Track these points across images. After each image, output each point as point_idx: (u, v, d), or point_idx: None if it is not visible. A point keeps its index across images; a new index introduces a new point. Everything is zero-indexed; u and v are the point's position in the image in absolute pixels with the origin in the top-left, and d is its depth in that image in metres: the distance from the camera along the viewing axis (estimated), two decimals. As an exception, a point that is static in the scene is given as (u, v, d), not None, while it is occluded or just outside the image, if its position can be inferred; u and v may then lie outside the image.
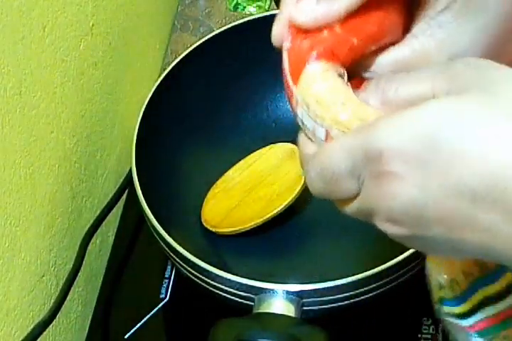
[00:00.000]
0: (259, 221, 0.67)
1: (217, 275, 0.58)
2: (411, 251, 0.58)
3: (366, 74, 0.39)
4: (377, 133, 0.32)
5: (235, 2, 0.92)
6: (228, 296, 0.59)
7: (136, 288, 0.72)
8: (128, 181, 0.73)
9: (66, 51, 0.64)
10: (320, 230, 0.71)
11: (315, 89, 0.38)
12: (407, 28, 0.38)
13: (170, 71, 0.71)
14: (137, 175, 0.64)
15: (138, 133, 0.67)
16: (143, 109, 0.68)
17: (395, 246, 0.65)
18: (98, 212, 0.71)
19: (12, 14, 0.54)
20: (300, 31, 0.40)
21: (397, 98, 0.35)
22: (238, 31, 0.73)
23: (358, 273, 0.57)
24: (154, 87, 0.69)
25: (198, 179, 0.72)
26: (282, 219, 0.68)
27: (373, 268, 0.57)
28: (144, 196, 0.63)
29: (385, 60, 0.38)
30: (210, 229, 0.69)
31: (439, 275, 0.43)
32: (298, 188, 0.67)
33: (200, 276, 0.60)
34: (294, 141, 0.71)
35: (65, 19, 0.63)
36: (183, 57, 0.72)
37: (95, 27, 0.70)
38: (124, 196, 0.75)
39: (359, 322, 0.66)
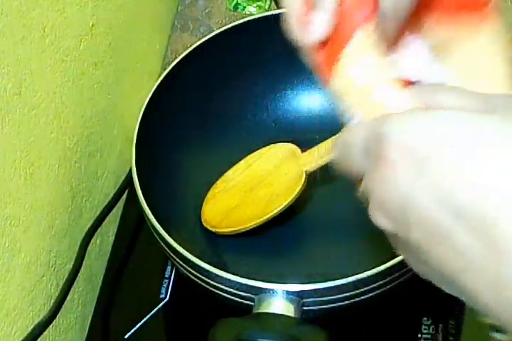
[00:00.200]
0: (259, 221, 0.67)
1: (217, 275, 0.58)
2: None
3: None
4: (392, 120, 0.33)
5: (235, 2, 0.92)
6: (228, 296, 0.59)
7: (136, 288, 0.72)
8: (128, 181, 0.73)
9: (66, 51, 0.64)
10: (320, 230, 0.71)
11: (353, 71, 0.38)
12: None
13: (170, 71, 0.71)
14: (137, 175, 0.64)
15: (138, 133, 0.67)
16: (143, 109, 0.68)
17: (395, 246, 0.65)
18: (98, 212, 0.71)
19: (12, 14, 0.54)
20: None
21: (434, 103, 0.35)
22: (238, 31, 0.73)
23: (358, 273, 0.57)
24: (154, 87, 0.69)
25: (198, 179, 0.72)
26: (282, 219, 0.68)
27: (373, 268, 0.57)
28: (144, 196, 0.63)
29: None
30: (210, 229, 0.69)
31: None
32: (298, 188, 0.67)
33: (200, 276, 0.60)
34: (294, 141, 0.72)
35: (65, 19, 0.63)
36: (183, 57, 0.72)
37: (95, 27, 0.70)
38: (124, 196, 0.75)
39: (359, 322, 0.66)
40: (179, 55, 0.72)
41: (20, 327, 0.58)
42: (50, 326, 0.60)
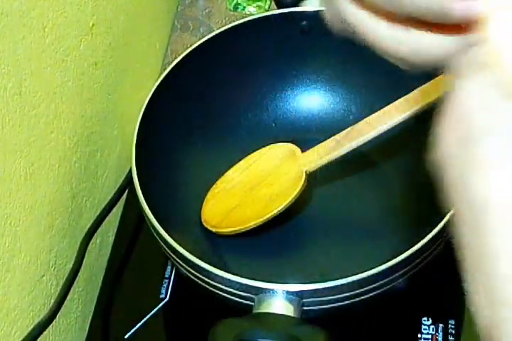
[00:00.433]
0: (259, 221, 0.67)
1: (217, 275, 0.58)
2: (411, 251, 0.58)
3: None
4: (475, 83, 0.31)
5: (235, 2, 0.92)
6: (228, 296, 0.59)
7: (136, 288, 0.72)
8: (128, 181, 0.73)
9: (66, 51, 0.64)
10: (320, 230, 0.71)
11: None
12: None
13: (170, 71, 0.71)
14: (137, 175, 0.64)
15: (138, 133, 0.67)
16: (143, 109, 0.68)
17: (395, 247, 0.65)
18: (98, 212, 0.71)
19: (12, 14, 0.54)
20: None
21: None
22: (238, 31, 0.73)
23: (358, 273, 0.57)
24: (154, 87, 0.69)
25: (198, 179, 0.72)
26: (282, 219, 0.68)
27: (373, 268, 0.57)
28: (143, 196, 0.63)
29: None
30: (210, 229, 0.69)
31: None
32: (298, 188, 0.67)
33: (200, 276, 0.59)
34: (294, 141, 0.72)
35: (65, 19, 0.63)
36: (183, 57, 0.72)
37: (95, 27, 0.70)
38: (124, 196, 0.75)
39: (359, 322, 0.66)
40: (179, 55, 0.72)
41: (20, 327, 0.58)
42: (50, 326, 0.60)
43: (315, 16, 0.73)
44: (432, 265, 0.60)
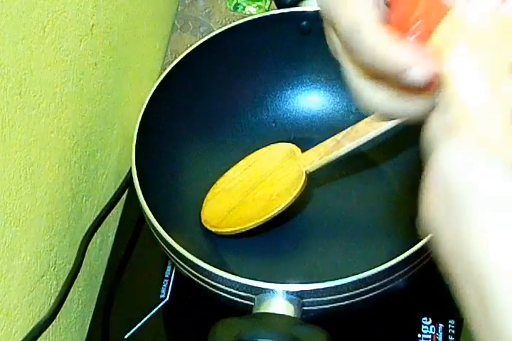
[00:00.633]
0: (259, 221, 0.67)
1: (217, 275, 0.58)
2: (411, 251, 0.58)
3: None
4: (444, 145, 0.33)
5: (235, 2, 0.92)
6: (228, 296, 0.59)
7: (136, 288, 0.72)
8: (128, 181, 0.73)
9: (66, 51, 0.64)
10: (320, 230, 0.71)
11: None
12: None
13: (170, 71, 0.71)
14: (137, 175, 0.64)
15: (138, 133, 0.67)
16: (143, 109, 0.68)
17: (395, 247, 0.65)
18: (98, 212, 0.71)
19: (12, 14, 0.54)
20: None
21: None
22: (238, 31, 0.73)
23: (358, 273, 0.57)
24: (154, 87, 0.69)
25: (198, 179, 0.72)
26: (282, 219, 0.68)
27: (373, 268, 0.57)
28: (143, 196, 0.63)
29: None
30: (210, 229, 0.69)
31: None
32: (298, 188, 0.67)
33: (200, 276, 0.59)
34: (294, 141, 0.72)
35: (65, 19, 0.63)
36: (183, 57, 0.72)
37: (95, 27, 0.70)
38: (124, 196, 0.75)
39: (359, 322, 0.66)
40: (179, 55, 0.72)
41: (20, 327, 0.58)
42: (50, 326, 0.60)
43: (315, 16, 0.73)
44: (432, 265, 0.60)
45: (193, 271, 0.60)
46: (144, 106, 0.68)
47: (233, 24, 0.74)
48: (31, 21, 0.57)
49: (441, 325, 0.66)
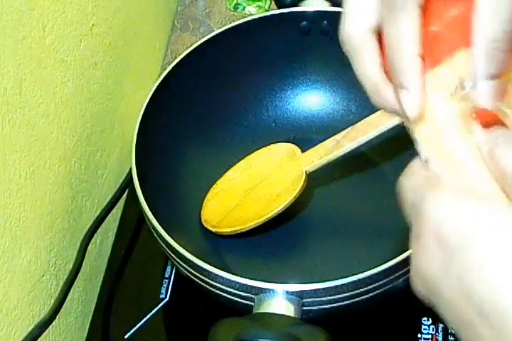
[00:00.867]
0: (259, 221, 0.67)
1: (217, 275, 0.58)
2: (411, 251, 0.58)
3: None
4: (434, 200, 0.33)
5: (235, 2, 0.92)
6: (228, 296, 0.59)
7: (136, 288, 0.72)
8: (128, 181, 0.73)
9: (66, 51, 0.64)
10: (320, 230, 0.71)
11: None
12: None
13: (170, 71, 0.71)
14: (137, 175, 0.64)
15: (138, 133, 0.67)
16: (143, 109, 0.68)
17: (395, 247, 0.65)
18: (98, 212, 0.71)
19: (12, 14, 0.54)
20: None
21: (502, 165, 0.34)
22: (238, 31, 0.73)
23: (358, 273, 0.57)
24: (154, 87, 0.69)
25: (198, 179, 0.72)
26: (282, 219, 0.68)
27: (373, 268, 0.57)
28: (143, 196, 0.63)
29: None
30: (210, 229, 0.69)
31: None
32: (298, 188, 0.67)
33: (200, 276, 0.59)
34: (294, 141, 0.72)
35: (65, 19, 0.63)
36: (183, 57, 0.72)
37: (95, 27, 0.70)
38: (124, 196, 0.75)
39: (359, 322, 0.66)
40: (179, 55, 0.72)
41: (20, 327, 0.58)
42: (50, 326, 0.60)
43: (315, 16, 0.73)
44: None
45: (193, 271, 0.60)
46: (144, 106, 0.68)
47: (233, 24, 0.74)
48: (31, 21, 0.57)
49: (441, 325, 0.66)
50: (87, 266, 0.69)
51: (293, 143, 0.71)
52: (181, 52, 0.72)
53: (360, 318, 0.65)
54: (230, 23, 0.75)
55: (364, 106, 0.75)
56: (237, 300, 0.59)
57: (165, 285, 0.71)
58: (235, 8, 0.92)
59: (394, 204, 0.71)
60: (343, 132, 0.66)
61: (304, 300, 0.57)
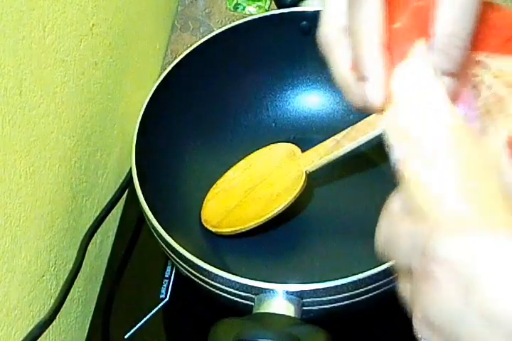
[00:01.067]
0: (259, 221, 0.67)
1: (217, 275, 0.58)
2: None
3: None
4: (440, 237, 0.32)
5: (235, 2, 0.92)
6: (228, 296, 0.59)
7: (136, 288, 0.72)
8: (128, 181, 0.73)
9: (66, 51, 0.64)
10: (320, 230, 0.71)
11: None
12: None
13: (170, 71, 0.71)
14: (137, 175, 0.64)
15: (138, 133, 0.67)
16: (143, 109, 0.68)
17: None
18: (98, 212, 0.71)
19: (12, 14, 0.54)
20: None
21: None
22: (238, 31, 0.73)
23: (358, 273, 0.57)
24: (154, 87, 0.69)
25: (198, 179, 0.72)
26: (282, 219, 0.68)
27: (373, 268, 0.57)
28: (143, 196, 0.63)
29: None
30: (210, 229, 0.69)
31: None
32: (298, 188, 0.67)
33: (200, 276, 0.59)
34: (294, 141, 0.72)
35: (65, 19, 0.63)
36: (183, 57, 0.72)
37: (95, 27, 0.70)
38: (124, 196, 0.75)
39: (359, 322, 0.66)
40: (179, 55, 0.72)
41: (20, 327, 0.58)
42: (50, 326, 0.60)
43: (315, 16, 0.73)
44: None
45: (193, 271, 0.60)
46: (144, 106, 0.68)
47: (233, 24, 0.74)
48: (31, 21, 0.57)
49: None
50: (87, 266, 0.69)
51: (293, 143, 0.71)
52: (181, 52, 0.72)
53: (360, 318, 0.65)
54: (230, 23, 0.75)
55: (364, 106, 0.75)
56: (237, 300, 0.59)
57: (165, 285, 0.71)
58: (235, 8, 0.92)
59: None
60: (343, 132, 0.66)
61: (304, 300, 0.57)
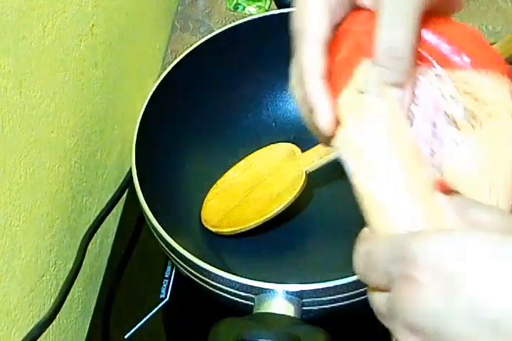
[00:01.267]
0: (259, 221, 0.67)
1: (217, 275, 0.58)
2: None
3: None
4: (421, 241, 0.33)
5: (235, 2, 0.92)
6: (228, 296, 0.59)
7: (136, 288, 0.72)
8: (128, 181, 0.73)
9: (66, 51, 0.64)
10: (320, 230, 0.71)
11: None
12: None
13: (170, 71, 0.71)
14: (137, 175, 0.64)
15: (138, 133, 0.67)
16: (143, 109, 0.68)
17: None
18: (98, 212, 0.71)
19: (12, 14, 0.54)
20: None
21: (472, 219, 0.35)
22: (238, 31, 0.73)
23: (358, 273, 0.57)
24: (154, 87, 0.69)
25: (198, 179, 0.72)
26: (282, 219, 0.68)
27: (373, 268, 0.57)
28: (143, 196, 0.63)
29: None
30: (210, 229, 0.69)
31: None
32: (298, 188, 0.67)
33: (200, 276, 0.59)
34: (294, 141, 0.72)
35: (65, 19, 0.63)
36: (183, 57, 0.72)
37: (95, 27, 0.70)
38: (124, 196, 0.75)
39: (359, 322, 0.66)
40: (179, 55, 0.72)
41: (20, 327, 0.58)
42: (50, 326, 0.60)
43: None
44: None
45: (193, 271, 0.60)
46: (144, 106, 0.68)
47: (233, 24, 0.74)
48: (31, 21, 0.57)
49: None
50: (87, 266, 0.69)
51: (293, 143, 0.71)
52: (181, 52, 0.72)
53: (360, 318, 0.65)
54: (230, 23, 0.75)
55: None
56: (237, 300, 0.59)
57: (165, 285, 0.71)
58: (235, 8, 0.92)
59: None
60: (343, 132, 0.66)
61: (304, 300, 0.57)
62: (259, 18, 0.74)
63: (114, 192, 0.73)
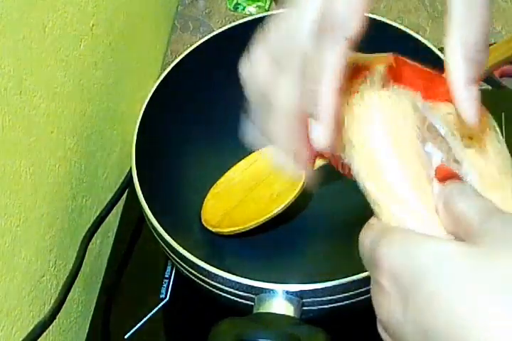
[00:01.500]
0: (259, 221, 0.67)
1: (217, 275, 0.58)
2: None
3: None
4: (385, 243, 0.33)
5: (235, 2, 0.92)
6: (228, 296, 0.59)
7: (136, 288, 0.72)
8: (128, 181, 0.73)
9: (66, 51, 0.64)
10: (320, 230, 0.71)
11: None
12: None
13: (170, 71, 0.71)
14: (137, 175, 0.64)
15: (138, 133, 0.67)
16: (143, 109, 0.68)
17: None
18: (98, 212, 0.71)
19: (12, 14, 0.54)
20: None
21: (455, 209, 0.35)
22: (238, 31, 0.73)
23: (358, 273, 0.57)
24: (154, 87, 0.69)
25: (198, 179, 0.72)
26: (282, 219, 0.68)
27: (373, 268, 0.57)
28: (143, 196, 0.63)
29: None
30: (210, 229, 0.69)
31: None
32: (298, 188, 0.67)
33: (200, 276, 0.59)
34: (294, 141, 0.72)
35: (65, 19, 0.63)
36: (183, 57, 0.72)
37: (95, 27, 0.70)
38: (124, 196, 0.75)
39: (359, 322, 0.66)
40: (179, 55, 0.72)
41: (20, 327, 0.58)
42: (50, 326, 0.60)
43: (315, 16, 0.73)
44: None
45: (193, 271, 0.60)
46: (144, 106, 0.68)
47: (233, 24, 0.74)
48: (31, 21, 0.57)
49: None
50: (87, 266, 0.69)
51: (293, 143, 0.71)
52: (181, 52, 0.72)
53: (360, 318, 0.65)
54: (230, 23, 0.75)
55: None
56: (237, 300, 0.59)
57: (165, 285, 0.71)
58: (235, 8, 0.92)
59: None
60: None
61: (304, 300, 0.57)
62: (259, 18, 0.74)
63: (114, 192, 0.73)
